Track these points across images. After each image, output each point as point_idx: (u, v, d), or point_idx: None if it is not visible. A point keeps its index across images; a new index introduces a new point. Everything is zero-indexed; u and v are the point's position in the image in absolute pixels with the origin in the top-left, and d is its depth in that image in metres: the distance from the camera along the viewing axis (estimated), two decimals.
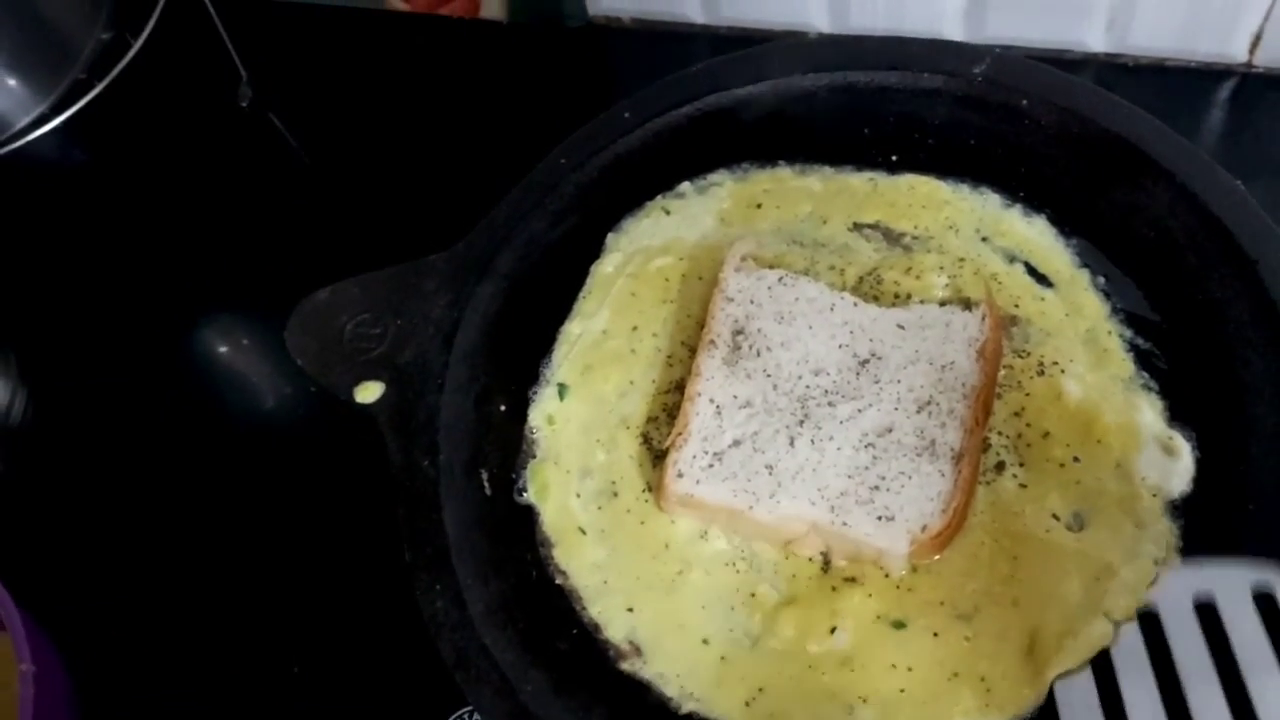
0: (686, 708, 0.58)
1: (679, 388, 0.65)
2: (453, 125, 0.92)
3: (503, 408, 0.66)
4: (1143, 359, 0.64)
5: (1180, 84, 0.86)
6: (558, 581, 0.62)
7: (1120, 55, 0.87)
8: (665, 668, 0.59)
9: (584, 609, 0.61)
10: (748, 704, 0.57)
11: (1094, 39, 0.87)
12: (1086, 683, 0.51)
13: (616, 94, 0.72)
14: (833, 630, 0.58)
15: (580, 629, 0.60)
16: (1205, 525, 0.59)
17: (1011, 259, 0.68)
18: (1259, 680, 0.46)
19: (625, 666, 0.59)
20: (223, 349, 0.86)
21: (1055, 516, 0.59)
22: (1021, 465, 0.61)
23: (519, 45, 0.96)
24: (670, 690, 0.58)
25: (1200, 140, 0.82)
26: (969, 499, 0.59)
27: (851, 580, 0.60)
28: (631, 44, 0.96)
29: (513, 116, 0.91)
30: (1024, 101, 0.67)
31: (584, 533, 0.62)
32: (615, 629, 0.60)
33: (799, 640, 0.58)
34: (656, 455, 0.64)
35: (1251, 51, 0.84)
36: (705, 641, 0.59)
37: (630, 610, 0.60)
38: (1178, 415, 0.62)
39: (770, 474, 0.60)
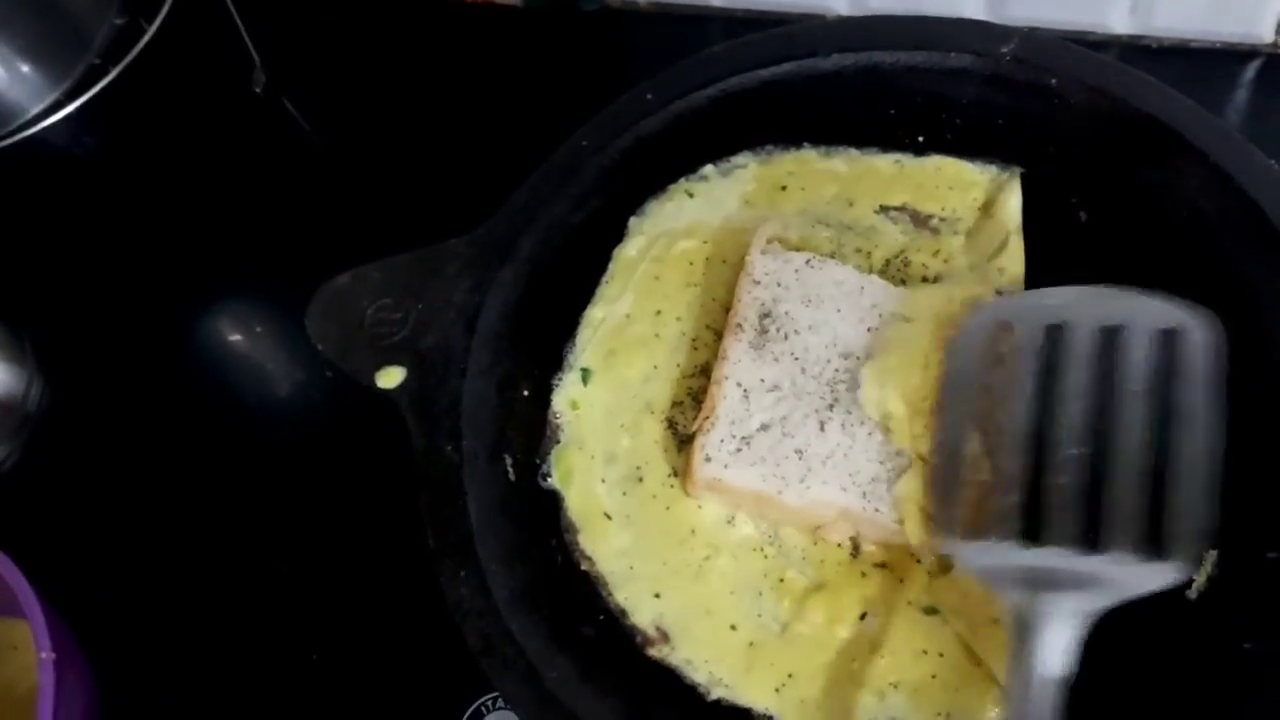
0: (715, 694, 0.57)
1: (704, 372, 0.64)
2: (468, 110, 0.91)
3: (526, 393, 0.65)
4: None
5: (1205, 65, 0.85)
6: (583, 567, 0.61)
7: (1144, 36, 0.86)
8: (693, 654, 0.58)
9: (610, 595, 0.60)
10: (777, 690, 0.57)
11: (1117, 20, 0.86)
12: None
13: (632, 79, 0.71)
14: (863, 616, 0.58)
15: (606, 615, 0.60)
16: None
17: None
18: None
19: (652, 653, 0.58)
20: (239, 335, 0.85)
21: None
22: None
23: (534, 29, 0.95)
24: (698, 676, 0.58)
25: (1225, 122, 0.81)
26: None
27: (881, 565, 0.59)
28: (647, 28, 0.95)
29: (528, 101, 0.90)
30: (1053, 81, 0.66)
31: (609, 518, 0.62)
32: (642, 615, 0.59)
33: (829, 626, 0.58)
34: (682, 440, 0.63)
35: (1278, 32, 0.83)
36: (733, 627, 0.58)
37: (657, 596, 0.59)
38: None
39: (800, 458, 0.59)
